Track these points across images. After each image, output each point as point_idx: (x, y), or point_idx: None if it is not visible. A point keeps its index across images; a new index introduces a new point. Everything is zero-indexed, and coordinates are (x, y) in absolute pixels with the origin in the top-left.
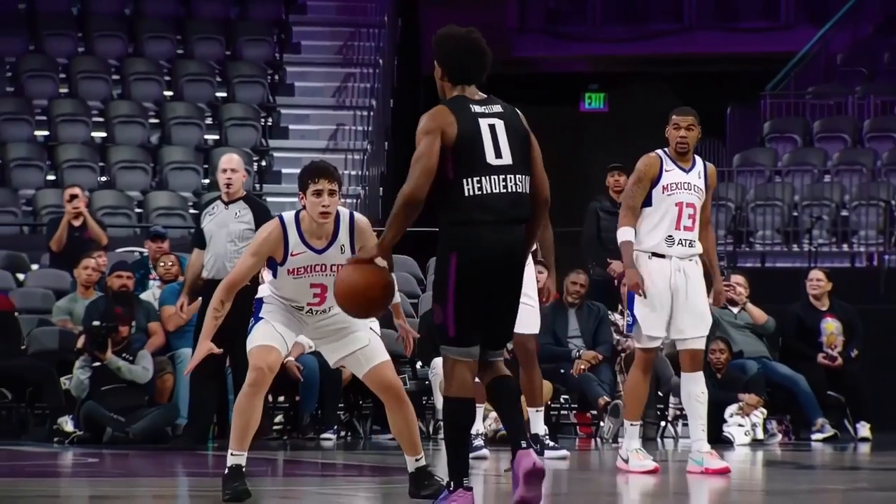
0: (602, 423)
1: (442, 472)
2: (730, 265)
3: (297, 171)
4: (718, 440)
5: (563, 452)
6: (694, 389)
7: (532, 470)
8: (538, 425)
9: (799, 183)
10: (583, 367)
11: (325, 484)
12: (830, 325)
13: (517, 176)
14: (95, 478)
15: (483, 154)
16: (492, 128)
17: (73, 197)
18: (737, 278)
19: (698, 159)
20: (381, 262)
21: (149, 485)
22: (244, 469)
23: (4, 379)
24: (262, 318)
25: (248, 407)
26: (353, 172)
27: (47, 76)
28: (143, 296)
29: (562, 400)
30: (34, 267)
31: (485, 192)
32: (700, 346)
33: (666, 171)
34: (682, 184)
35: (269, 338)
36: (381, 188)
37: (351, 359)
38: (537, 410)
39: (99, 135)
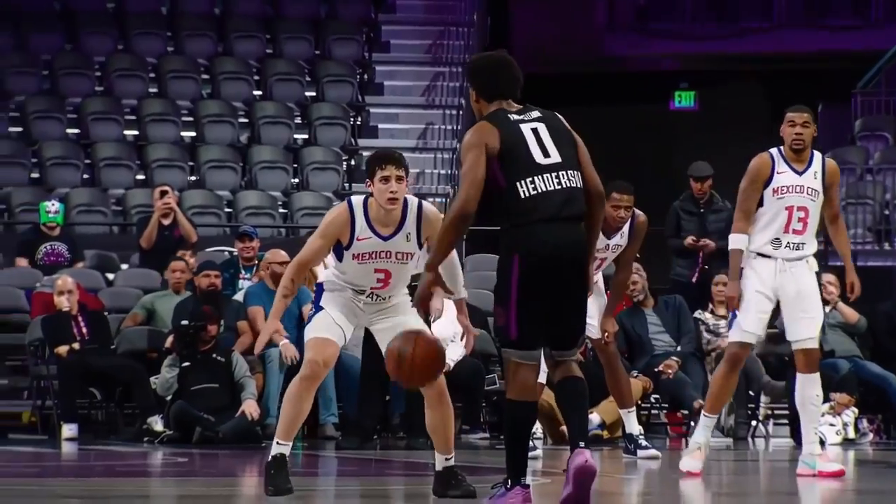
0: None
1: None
2: (821, 264)
3: None
4: None
5: (655, 452)
6: (808, 392)
7: (582, 467)
8: (632, 425)
9: (890, 181)
10: (670, 371)
11: (413, 483)
12: None
13: (568, 172)
14: (185, 478)
15: (531, 156)
16: (534, 131)
17: (164, 193)
18: (828, 277)
19: (816, 157)
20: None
21: (239, 484)
22: (287, 459)
23: (94, 378)
24: (322, 307)
25: (301, 398)
26: (443, 171)
27: (137, 76)
28: (235, 296)
29: (652, 400)
30: (124, 267)
31: (540, 190)
32: (812, 346)
33: (778, 172)
34: (794, 187)
35: (328, 330)
36: None
37: None
38: (629, 411)
39: (188, 134)
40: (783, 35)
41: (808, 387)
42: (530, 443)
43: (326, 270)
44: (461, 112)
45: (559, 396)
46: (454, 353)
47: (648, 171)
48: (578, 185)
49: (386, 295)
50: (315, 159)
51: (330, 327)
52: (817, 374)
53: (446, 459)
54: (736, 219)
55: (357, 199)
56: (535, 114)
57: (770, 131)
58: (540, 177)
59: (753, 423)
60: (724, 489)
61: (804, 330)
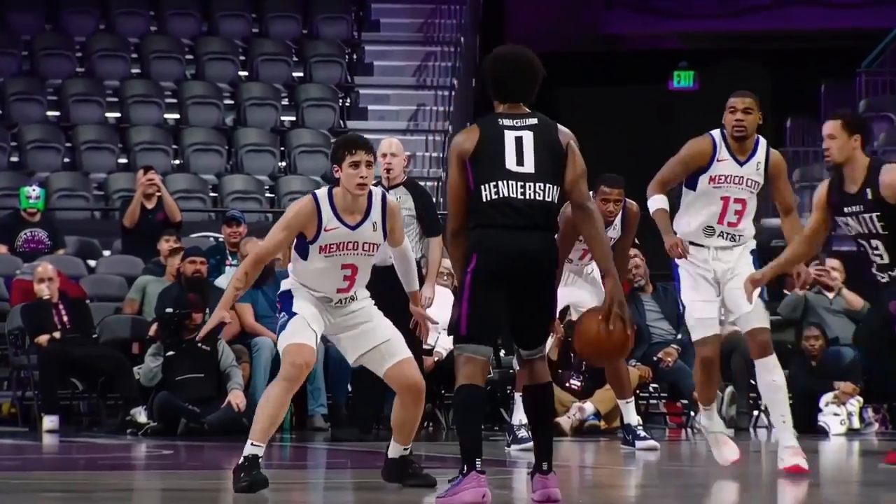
0: (693, 414)
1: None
2: (824, 249)
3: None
4: (813, 430)
5: (653, 443)
6: (766, 378)
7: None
8: (630, 415)
9: None
10: (670, 360)
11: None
12: None
13: (538, 184)
14: (170, 470)
15: (503, 161)
16: (518, 139)
17: (147, 170)
18: (832, 262)
19: (761, 146)
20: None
21: (225, 477)
22: (261, 460)
23: (76, 368)
24: (294, 312)
25: (282, 401)
26: (434, 154)
27: (119, 56)
28: (218, 282)
29: (651, 389)
30: (106, 253)
31: (501, 195)
32: (759, 326)
33: (718, 160)
34: (733, 177)
35: (303, 334)
36: None
37: (373, 353)
38: (627, 402)
39: (172, 116)
40: (785, 13)
41: (764, 372)
42: (524, 434)
43: (288, 279)
44: (453, 93)
45: (525, 403)
46: (446, 342)
47: (646, 152)
48: (546, 199)
49: (353, 294)
50: (303, 142)
51: (305, 331)
52: (772, 358)
53: (404, 449)
54: (652, 184)
55: (321, 191)
56: (531, 121)
57: (772, 112)
58: (504, 182)
59: (755, 412)
60: (727, 479)
61: (748, 314)
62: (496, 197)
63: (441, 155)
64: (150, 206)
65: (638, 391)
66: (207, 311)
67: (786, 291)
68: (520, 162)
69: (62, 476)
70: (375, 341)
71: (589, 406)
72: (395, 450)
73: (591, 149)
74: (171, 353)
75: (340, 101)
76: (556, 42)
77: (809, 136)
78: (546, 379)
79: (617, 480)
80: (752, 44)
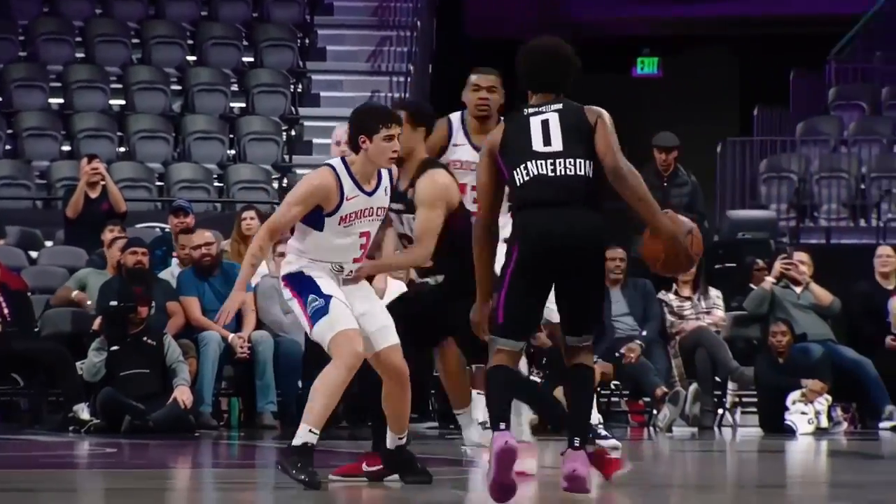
0: (656, 412)
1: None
2: (792, 241)
3: (328, 140)
4: (780, 429)
5: (615, 442)
6: None
7: (576, 481)
8: (592, 414)
9: (866, 153)
10: (633, 356)
11: (362, 477)
12: None
13: (568, 160)
14: (113, 469)
15: (530, 143)
16: (544, 122)
17: (92, 159)
18: (800, 256)
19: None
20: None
21: (171, 476)
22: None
23: (16, 363)
24: (327, 294)
25: (341, 390)
26: None
27: (63, 40)
28: (163, 274)
29: (612, 386)
30: (48, 244)
31: (532, 175)
32: None
33: (454, 144)
34: (472, 163)
35: (350, 319)
36: None
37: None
38: None
39: (117, 102)
40: None
41: None
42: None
43: (292, 257)
44: (409, 79)
45: (571, 380)
46: None
47: None
48: (579, 172)
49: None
50: (253, 129)
51: (349, 316)
52: None
53: (399, 438)
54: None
55: (336, 161)
56: (557, 106)
57: (739, 100)
58: (533, 162)
59: (720, 411)
60: (690, 480)
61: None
62: (528, 178)
63: None
64: (94, 195)
65: (599, 389)
66: (153, 303)
67: (752, 286)
68: (547, 142)
69: (1, 475)
70: (374, 325)
71: None
72: (390, 440)
73: None
74: (115, 347)
75: (292, 87)
76: (515, 28)
77: (778, 126)
78: (589, 361)
79: None
80: (718, 30)
